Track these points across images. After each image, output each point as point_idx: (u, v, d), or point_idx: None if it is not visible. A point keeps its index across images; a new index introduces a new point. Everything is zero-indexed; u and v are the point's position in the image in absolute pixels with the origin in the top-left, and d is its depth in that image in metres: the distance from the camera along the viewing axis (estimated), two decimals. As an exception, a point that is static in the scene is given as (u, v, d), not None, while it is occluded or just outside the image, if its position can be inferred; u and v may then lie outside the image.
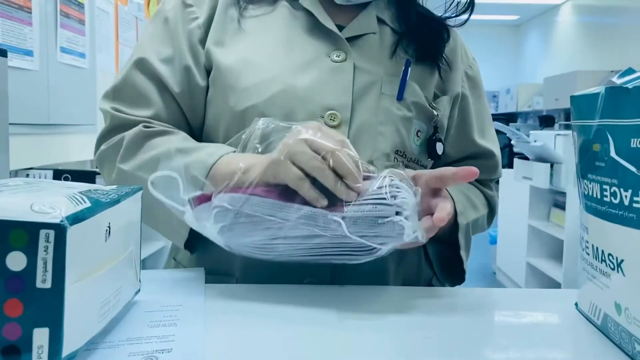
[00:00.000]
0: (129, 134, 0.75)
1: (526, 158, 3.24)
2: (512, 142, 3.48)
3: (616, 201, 0.50)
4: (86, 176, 1.99)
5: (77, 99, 2.32)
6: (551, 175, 2.96)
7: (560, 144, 2.98)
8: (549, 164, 2.95)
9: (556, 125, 6.32)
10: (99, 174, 2.00)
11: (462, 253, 0.77)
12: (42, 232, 0.39)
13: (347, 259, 0.61)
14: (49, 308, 0.40)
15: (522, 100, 7.46)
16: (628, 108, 0.48)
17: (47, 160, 2.13)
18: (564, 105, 6.21)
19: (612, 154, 0.50)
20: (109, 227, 0.50)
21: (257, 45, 0.77)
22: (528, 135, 3.44)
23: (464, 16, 0.84)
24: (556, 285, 2.93)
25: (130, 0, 3.28)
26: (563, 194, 2.97)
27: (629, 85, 0.48)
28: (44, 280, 0.39)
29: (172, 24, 0.80)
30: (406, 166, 0.77)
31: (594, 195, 0.54)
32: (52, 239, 0.39)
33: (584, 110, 0.57)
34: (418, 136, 0.78)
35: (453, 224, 0.76)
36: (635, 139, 0.47)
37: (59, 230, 0.39)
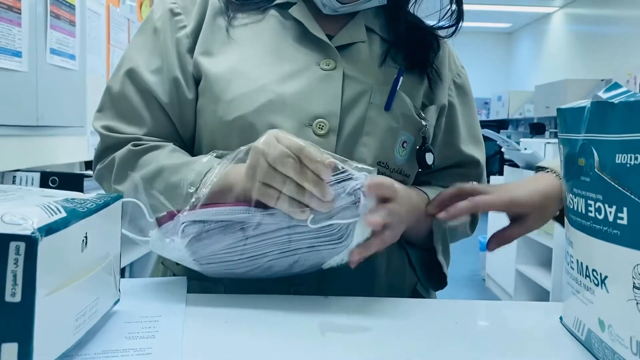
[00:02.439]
0: (118, 154, 0.75)
1: (517, 165, 3.25)
2: (503, 149, 3.49)
3: (601, 217, 0.49)
4: (74, 179, 1.97)
5: (67, 101, 2.30)
6: (541, 183, 2.97)
7: (550, 152, 3.00)
8: (538, 172, 2.96)
9: (547, 133, 6.35)
10: (87, 176, 1.98)
11: (440, 258, 0.79)
12: (12, 244, 0.38)
13: (316, 253, 0.63)
14: (18, 323, 0.38)
15: (513, 108, 7.51)
16: (613, 123, 0.48)
17: (34, 162, 2.11)
18: (555, 113, 6.23)
19: (597, 169, 0.49)
20: (86, 237, 0.49)
21: (246, 55, 0.77)
22: (518, 143, 3.45)
23: (453, 27, 0.84)
24: (545, 293, 2.93)
25: (122, 1, 3.26)
26: (552, 202, 2.98)
27: (615, 100, 0.48)
28: (13, 294, 0.38)
29: (160, 34, 0.79)
30: (388, 177, 0.76)
31: (579, 210, 0.53)
32: (22, 251, 0.38)
33: (570, 123, 0.57)
34: (404, 147, 0.78)
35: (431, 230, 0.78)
36: (620, 155, 0.47)
37: (30, 243, 0.38)
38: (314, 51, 0.77)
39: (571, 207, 0.56)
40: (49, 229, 0.41)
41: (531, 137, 5.71)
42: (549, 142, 3.06)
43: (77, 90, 2.40)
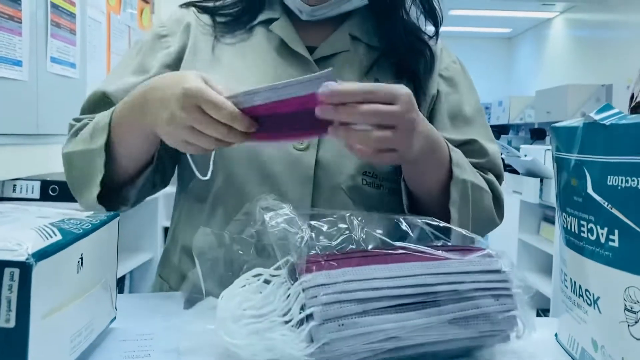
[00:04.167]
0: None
1: (517, 172, 3.25)
2: (503, 155, 3.49)
3: (593, 238, 0.49)
4: (74, 187, 1.97)
5: (67, 109, 2.30)
6: (541, 190, 2.97)
7: (550, 158, 3.00)
8: (538, 179, 2.96)
9: (547, 139, 6.35)
10: (86, 185, 1.99)
11: (451, 209, 0.70)
12: (7, 271, 0.38)
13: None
14: (12, 347, 0.39)
15: (514, 113, 7.51)
16: (605, 145, 0.48)
17: (35, 170, 2.11)
18: (555, 118, 6.24)
19: (589, 190, 0.50)
20: (82, 258, 0.50)
21: (229, 75, 0.77)
22: (518, 149, 3.45)
23: (440, 29, 0.83)
24: (546, 299, 2.93)
25: (123, 9, 3.27)
26: (553, 208, 2.98)
27: (606, 122, 0.48)
28: (7, 319, 0.38)
29: (145, 52, 0.82)
30: (379, 186, 0.76)
31: (572, 230, 0.54)
32: (16, 277, 0.39)
33: (563, 142, 0.57)
34: None
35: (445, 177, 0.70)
36: (612, 177, 0.47)
37: (24, 269, 0.39)
38: (293, 66, 0.78)
39: (565, 225, 0.56)
40: (44, 253, 0.42)
41: (532, 142, 5.71)
42: (548, 149, 3.06)
43: (77, 98, 2.41)
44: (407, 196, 0.74)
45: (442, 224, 0.59)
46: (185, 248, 0.80)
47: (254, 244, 0.58)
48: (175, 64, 0.80)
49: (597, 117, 0.50)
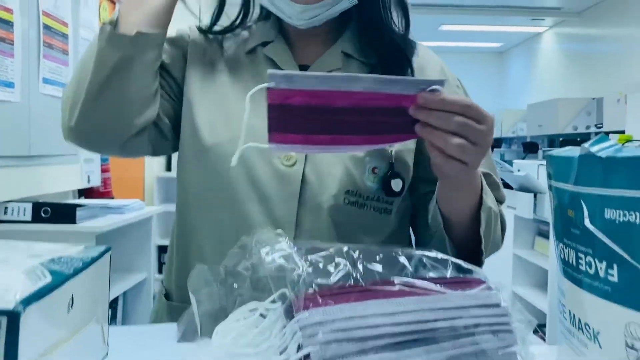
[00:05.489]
0: None
1: (510, 187, 3.26)
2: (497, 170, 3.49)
3: (592, 271, 0.49)
4: (66, 209, 1.95)
5: (60, 130, 2.29)
6: (535, 205, 2.97)
7: (544, 174, 3.00)
8: (532, 194, 2.96)
9: (540, 152, 6.38)
10: (80, 206, 1.97)
11: (482, 232, 0.73)
12: (-6, 319, 0.37)
13: None
14: (0, 398, 0.38)
15: (506, 126, 7.55)
16: (602, 177, 0.48)
17: (27, 192, 2.09)
18: (547, 131, 6.29)
19: (587, 223, 0.49)
20: (72, 298, 0.49)
21: (223, 102, 0.79)
22: (512, 163, 3.46)
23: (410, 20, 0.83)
24: (542, 314, 2.92)
25: (115, 29, 3.27)
26: (547, 223, 2.98)
27: (602, 154, 0.48)
28: (-6, 369, 0.37)
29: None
30: (362, 205, 0.76)
31: (570, 262, 0.53)
32: (4, 324, 0.38)
33: (559, 171, 0.57)
34: (375, 173, 0.77)
35: (475, 206, 0.73)
36: (609, 210, 0.47)
37: (12, 317, 0.38)
38: None
39: (562, 257, 0.55)
40: (33, 298, 0.41)
41: (524, 156, 5.73)
42: (542, 164, 3.07)
43: (70, 118, 2.41)
44: (434, 216, 0.75)
45: (440, 255, 0.58)
46: (186, 259, 0.81)
47: (249, 276, 0.58)
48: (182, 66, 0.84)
49: (594, 149, 0.50)
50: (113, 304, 2.34)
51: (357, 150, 0.74)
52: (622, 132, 4.62)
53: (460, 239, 0.76)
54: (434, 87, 0.58)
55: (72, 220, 1.91)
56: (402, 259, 0.56)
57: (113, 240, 2.35)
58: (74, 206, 1.96)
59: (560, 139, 5.75)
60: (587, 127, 5.75)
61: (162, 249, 4.36)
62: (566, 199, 0.54)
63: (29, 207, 1.95)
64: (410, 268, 0.57)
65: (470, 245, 0.75)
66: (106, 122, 0.75)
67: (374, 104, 0.58)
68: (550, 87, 7.35)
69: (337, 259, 0.54)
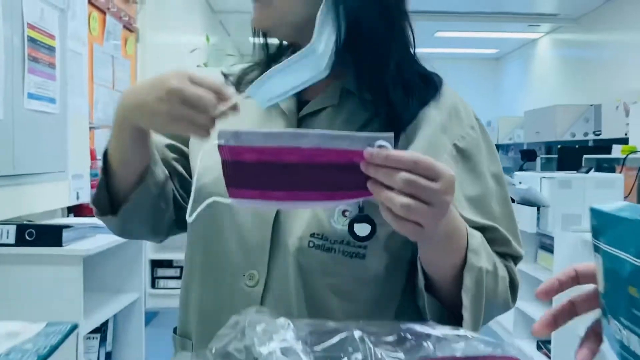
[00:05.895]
0: None
1: (512, 200, 3.19)
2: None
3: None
4: (52, 231, 1.85)
5: (46, 146, 2.20)
6: (538, 219, 2.90)
7: (546, 187, 2.93)
8: (535, 208, 2.89)
9: (538, 160, 6.33)
10: (66, 226, 1.87)
11: (463, 295, 0.67)
12: None
13: None
14: None
15: (503, 133, 7.51)
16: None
17: (11, 212, 2.00)
18: (545, 138, 6.24)
19: (657, 306, 0.41)
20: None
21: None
22: (511, 173, 3.39)
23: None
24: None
25: (106, 39, 3.19)
26: (550, 237, 2.91)
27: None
28: None
29: None
30: (329, 249, 0.71)
31: (630, 347, 0.45)
32: None
33: (612, 234, 0.48)
34: (345, 216, 0.71)
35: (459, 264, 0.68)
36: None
37: None
38: (275, 122, 0.79)
39: (618, 337, 0.47)
40: None
41: (523, 164, 5.66)
42: (543, 177, 2.99)
43: (57, 134, 2.30)
44: (423, 275, 0.69)
45: (461, 332, 0.51)
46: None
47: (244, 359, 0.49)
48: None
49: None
50: (103, 328, 2.24)
51: (320, 207, 0.71)
52: (622, 139, 4.57)
53: (450, 299, 0.70)
54: (380, 142, 0.56)
55: (58, 242, 1.81)
56: (423, 342, 0.48)
57: (102, 261, 2.24)
58: (61, 227, 1.86)
59: (558, 146, 5.70)
60: (585, 134, 5.70)
61: (155, 264, 4.25)
62: (625, 272, 0.45)
63: (12, 229, 1.85)
64: (431, 347, 0.49)
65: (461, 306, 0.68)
66: (138, 237, 0.86)
67: (325, 160, 0.57)
68: (547, 94, 7.31)
69: (348, 347, 0.45)
